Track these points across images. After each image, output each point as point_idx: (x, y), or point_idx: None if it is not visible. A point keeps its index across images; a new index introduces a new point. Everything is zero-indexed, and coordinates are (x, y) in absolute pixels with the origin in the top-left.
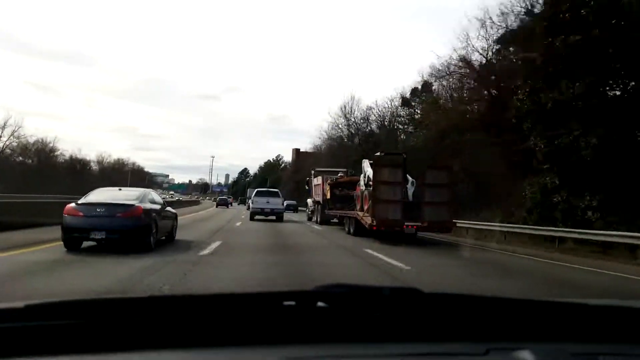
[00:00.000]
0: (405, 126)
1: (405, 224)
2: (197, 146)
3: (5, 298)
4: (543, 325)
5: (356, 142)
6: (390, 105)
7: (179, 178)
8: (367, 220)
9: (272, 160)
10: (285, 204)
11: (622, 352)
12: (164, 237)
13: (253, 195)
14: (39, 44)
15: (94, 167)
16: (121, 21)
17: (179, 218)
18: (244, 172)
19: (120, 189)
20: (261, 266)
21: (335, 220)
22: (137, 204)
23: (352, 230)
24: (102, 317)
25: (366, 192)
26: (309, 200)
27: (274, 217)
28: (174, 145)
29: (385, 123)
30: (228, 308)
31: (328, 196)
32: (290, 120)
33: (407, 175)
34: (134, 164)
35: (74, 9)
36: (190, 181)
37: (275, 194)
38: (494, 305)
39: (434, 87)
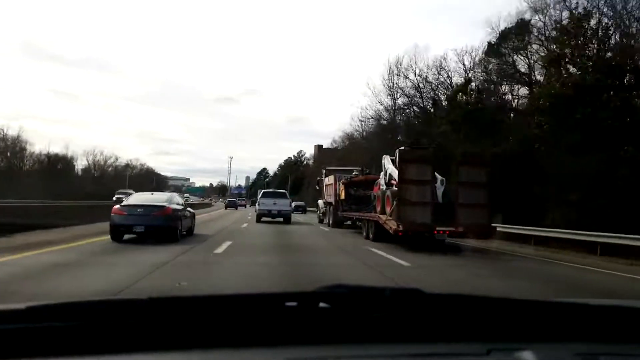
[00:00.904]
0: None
1: (437, 228)
2: (218, 150)
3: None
4: (545, 325)
5: (410, 115)
6: (469, 60)
7: (200, 181)
8: (392, 224)
9: (293, 158)
10: (293, 205)
11: (624, 352)
12: (184, 232)
13: (259, 197)
14: (60, 52)
15: (84, 165)
16: (140, 27)
17: None
18: (263, 172)
19: (152, 194)
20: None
21: (348, 222)
22: (167, 205)
23: (371, 235)
24: (104, 319)
25: (388, 193)
26: (320, 202)
27: (281, 219)
28: (195, 149)
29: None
30: (229, 309)
31: (342, 197)
32: (310, 121)
33: (435, 172)
34: (142, 165)
35: (93, 17)
36: (210, 184)
37: (282, 195)
38: (496, 306)
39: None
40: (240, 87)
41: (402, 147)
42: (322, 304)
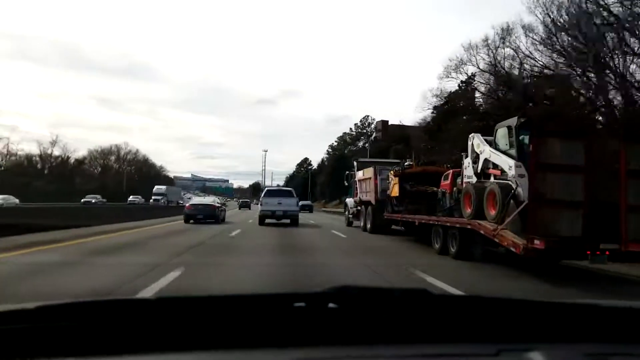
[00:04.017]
0: None
1: (600, 246)
2: (258, 152)
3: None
4: (555, 326)
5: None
6: None
7: (239, 183)
8: (513, 239)
9: (356, 128)
10: (299, 205)
11: (635, 353)
12: (221, 220)
13: (262, 196)
14: (102, 60)
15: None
16: (180, 32)
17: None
18: (304, 164)
19: (204, 197)
20: None
21: (396, 227)
22: (213, 204)
23: (453, 250)
24: (113, 319)
25: (493, 187)
26: (350, 200)
27: (287, 221)
28: (235, 152)
29: None
30: (238, 309)
31: (394, 193)
32: (352, 121)
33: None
34: (144, 157)
35: (132, 25)
36: (250, 185)
37: (288, 194)
38: (505, 307)
39: None
40: (278, 89)
41: (515, 117)
42: (330, 305)
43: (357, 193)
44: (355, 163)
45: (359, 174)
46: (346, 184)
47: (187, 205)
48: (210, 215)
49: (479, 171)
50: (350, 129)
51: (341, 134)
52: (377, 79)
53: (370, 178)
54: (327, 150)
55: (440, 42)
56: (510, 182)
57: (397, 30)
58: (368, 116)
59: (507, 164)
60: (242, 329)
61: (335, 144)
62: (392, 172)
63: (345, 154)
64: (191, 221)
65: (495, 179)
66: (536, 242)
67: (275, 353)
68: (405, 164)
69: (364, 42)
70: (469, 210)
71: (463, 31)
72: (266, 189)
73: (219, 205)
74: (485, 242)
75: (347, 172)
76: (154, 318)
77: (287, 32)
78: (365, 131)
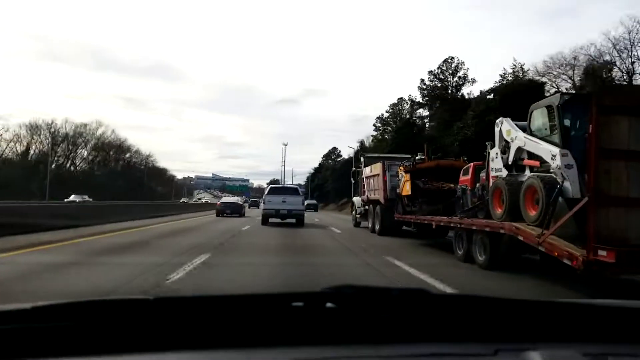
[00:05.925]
0: None
1: None
2: (281, 152)
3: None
4: (553, 325)
5: None
6: None
7: (260, 182)
8: (571, 249)
9: (431, 80)
10: (305, 204)
11: (633, 352)
12: (243, 213)
13: (265, 194)
14: (128, 61)
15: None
16: (204, 33)
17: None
18: (331, 155)
19: (229, 197)
20: None
21: (407, 228)
22: (238, 202)
23: (481, 259)
24: (110, 319)
25: (534, 181)
26: (356, 199)
27: (292, 220)
28: (258, 152)
29: None
30: (236, 309)
31: (406, 191)
32: (373, 120)
33: None
34: (121, 140)
35: (157, 25)
36: (267, 183)
37: (293, 191)
38: (503, 306)
39: None
40: (301, 88)
41: (557, 94)
42: (328, 304)
43: (364, 191)
44: (362, 158)
45: (366, 171)
46: (353, 181)
47: (218, 202)
48: (236, 211)
49: (510, 163)
50: (422, 80)
51: (395, 101)
52: (401, 78)
53: (378, 175)
54: (374, 125)
55: (460, 42)
56: (554, 175)
57: (418, 29)
58: (453, 58)
59: (549, 152)
60: (241, 328)
61: (387, 114)
62: (401, 167)
63: (411, 120)
64: (221, 214)
65: (533, 171)
66: (602, 253)
67: (273, 353)
68: (417, 157)
69: (389, 39)
70: (499, 211)
71: (488, 28)
72: (270, 186)
73: (241, 203)
74: (522, 249)
75: (354, 168)
76: (152, 318)
77: (309, 31)
78: (448, 83)
